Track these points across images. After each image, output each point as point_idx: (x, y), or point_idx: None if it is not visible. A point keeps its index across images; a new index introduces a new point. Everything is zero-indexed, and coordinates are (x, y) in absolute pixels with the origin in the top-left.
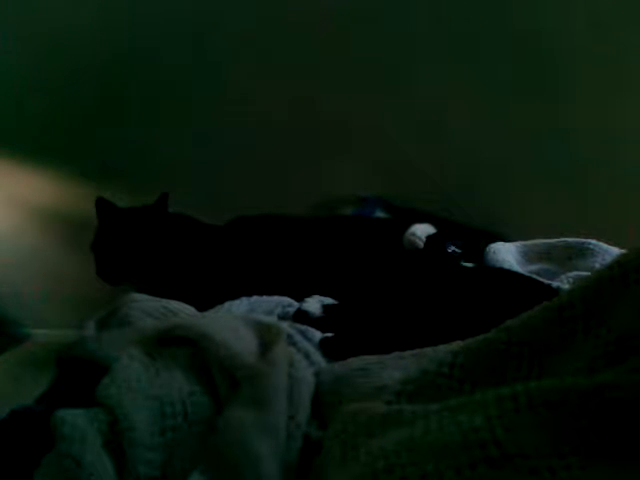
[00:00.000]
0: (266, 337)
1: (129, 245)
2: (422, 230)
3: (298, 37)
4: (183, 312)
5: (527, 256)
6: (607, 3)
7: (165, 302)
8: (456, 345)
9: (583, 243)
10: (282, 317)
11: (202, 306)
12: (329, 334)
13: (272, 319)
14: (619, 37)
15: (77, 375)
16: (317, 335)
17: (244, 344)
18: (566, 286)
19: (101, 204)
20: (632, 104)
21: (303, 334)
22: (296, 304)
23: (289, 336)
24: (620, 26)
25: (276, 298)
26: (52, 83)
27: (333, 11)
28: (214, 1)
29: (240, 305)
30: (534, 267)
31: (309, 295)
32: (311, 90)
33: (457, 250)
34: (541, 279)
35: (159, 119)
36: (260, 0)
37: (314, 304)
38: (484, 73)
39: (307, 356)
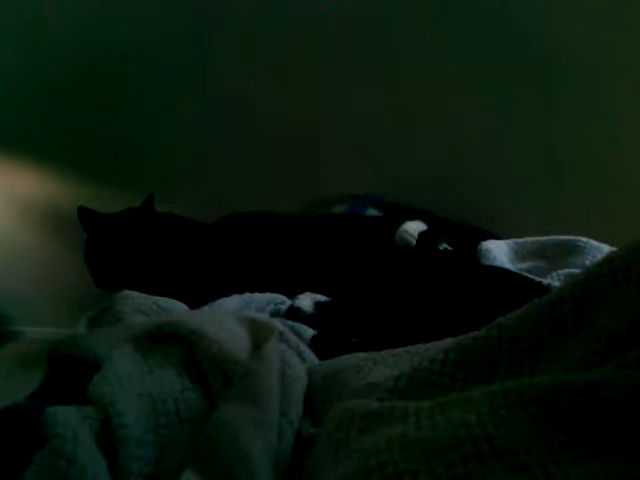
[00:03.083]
0: (258, 334)
1: (122, 250)
2: (414, 227)
3: (298, 37)
4: (175, 309)
5: (518, 254)
6: (605, 3)
7: (157, 299)
8: (448, 342)
9: (574, 241)
10: (274, 314)
11: (195, 303)
12: (321, 331)
13: (264, 316)
14: (616, 36)
15: (69, 373)
16: (309, 332)
17: (236, 341)
18: (557, 283)
19: (84, 213)
20: (628, 102)
21: (295, 331)
22: (288, 301)
23: (281, 333)
24: (618, 25)
25: (268, 295)
26: (50, 81)
27: (333, 11)
28: (214, 0)
29: (232, 302)
30: (525, 264)
31: (302, 292)
32: (306, 88)
33: (449, 248)
34: (532, 276)
35: (158, 117)
36: (260, 0)
37: (306, 301)
38: (481, 72)
39: (299, 353)
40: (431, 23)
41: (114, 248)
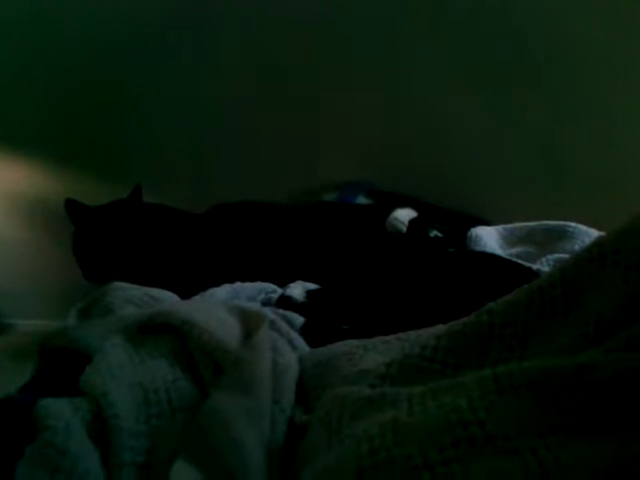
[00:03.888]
0: (249, 323)
1: (110, 242)
2: (404, 215)
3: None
4: (166, 299)
5: (508, 239)
6: (605, 2)
7: (147, 290)
8: (439, 328)
9: (563, 226)
10: (265, 303)
11: (185, 293)
12: (312, 319)
13: (255, 305)
14: (616, 36)
15: (60, 364)
16: (300, 320)
17: (227, 330)
18: (546, 268)
19: (71, 206)
20: (628, 102)
21: (286, 319)
22: (279, 290)
23: (272, 322)
24: (618, 25)
25: (259, 284)
26: (50, 81)
27: (333, 11)
28: (214, 0)
29: (223, 291)
30: (515, 250)
31: (292, 281)
32: (306, 88)
33: (439, 234)
34: (522, 262)
35: (157, 117)
36: (260, 0)
37: (297, 289)
38: (481, 72)
39: (290, 341)
40: (431, 23)
41: (102, 240)
